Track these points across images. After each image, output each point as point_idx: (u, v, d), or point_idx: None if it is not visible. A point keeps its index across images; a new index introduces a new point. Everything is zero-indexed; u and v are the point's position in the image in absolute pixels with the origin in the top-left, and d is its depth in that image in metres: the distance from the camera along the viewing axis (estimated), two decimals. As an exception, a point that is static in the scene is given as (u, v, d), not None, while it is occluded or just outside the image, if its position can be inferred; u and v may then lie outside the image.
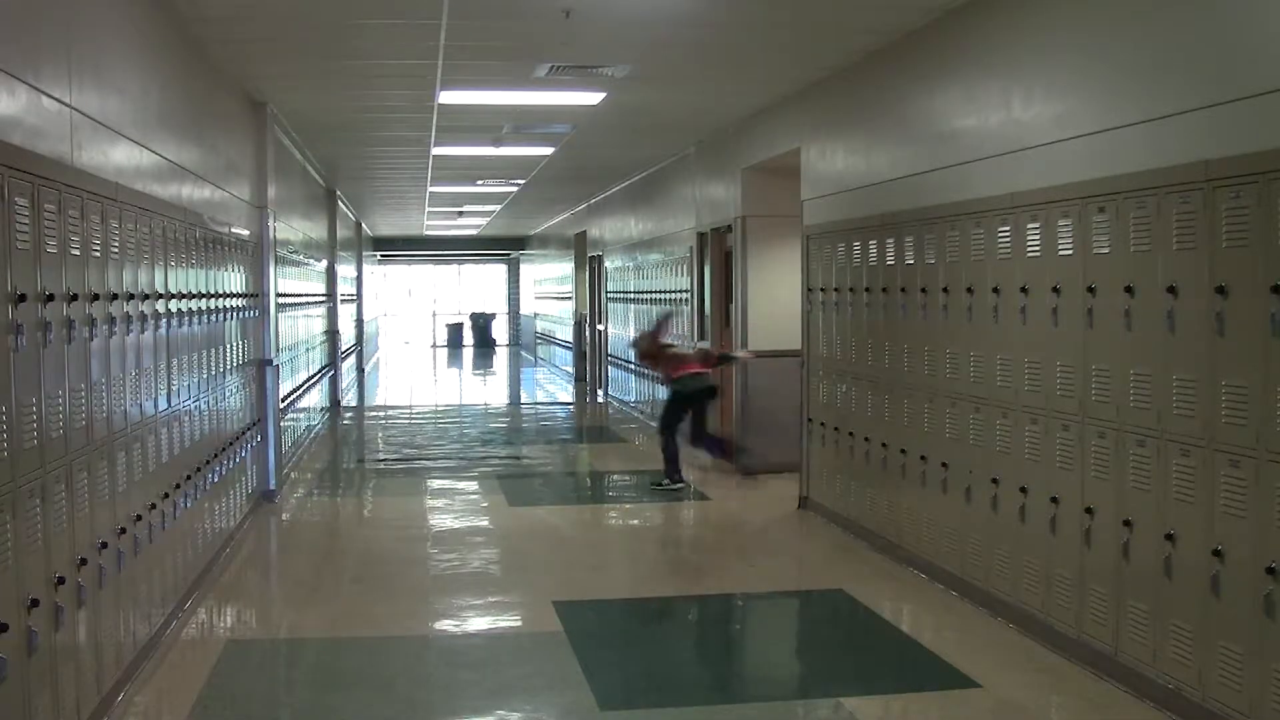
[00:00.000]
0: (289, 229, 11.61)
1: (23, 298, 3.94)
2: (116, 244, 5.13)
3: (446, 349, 35.25)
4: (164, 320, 5.99)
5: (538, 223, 27.06)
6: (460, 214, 23.77)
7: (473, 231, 30.18)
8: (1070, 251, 5.49)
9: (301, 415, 12.48)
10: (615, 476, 11.96)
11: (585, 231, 20.88)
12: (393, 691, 5.34)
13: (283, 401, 10.37)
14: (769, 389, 10.77)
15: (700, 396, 10.66)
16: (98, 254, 4.83)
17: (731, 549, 8.92)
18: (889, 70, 7.72)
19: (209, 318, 7.22)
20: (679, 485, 10.57)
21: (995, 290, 6.18)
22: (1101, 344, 5.27)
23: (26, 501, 3.98)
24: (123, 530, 5.09)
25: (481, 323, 35.37)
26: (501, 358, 31.68)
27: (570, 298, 22.85)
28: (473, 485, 11.15)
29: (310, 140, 12.40)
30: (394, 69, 8.47)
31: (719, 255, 12.02)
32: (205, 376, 7.12)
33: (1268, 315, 4.24)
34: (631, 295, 16.54)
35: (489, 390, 23.56)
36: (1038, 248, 5.78)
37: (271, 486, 9.84)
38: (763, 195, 10.94)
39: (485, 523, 9.45)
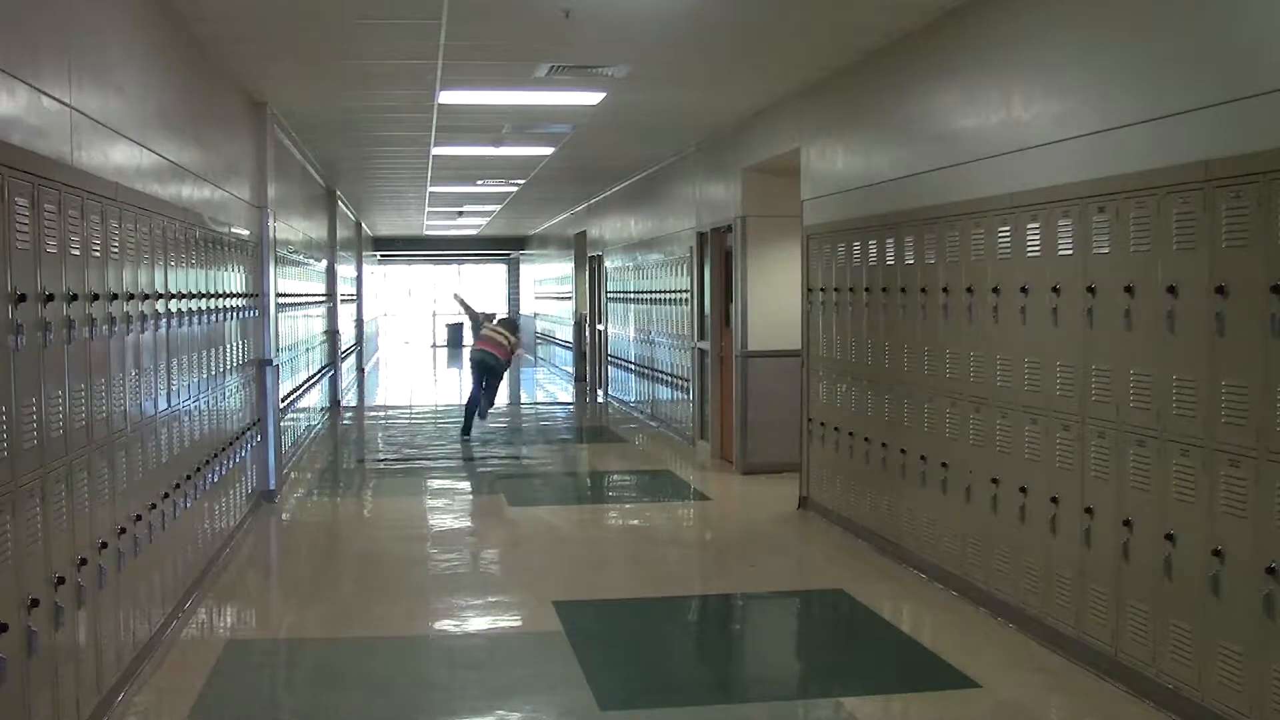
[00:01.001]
0: (289, 229, 11.61)
1: (23, 298, 3.94)
2: (116, 244, 5.13)
3: (446, 349, 35.24)
4: (164, 320, 5.99)
5: (538, 223, 27.06)
6: (460, 214, 23.77)
7: (473, 231, 30.18)
8: (1070, 251, 5.49)
9: (301, 415, 12.48)
10: (615, 477, 11.96)
11: (585, 231, 20.87)
12: (392, 691, 5.34)
13: (283, 401, 10.37)
14: (769, 389, 10.79)
15: (483, 367, 14.44)
16: (98, 254, 4.83)
17: (731, 549, 8.93)
18: (889, 70, 7.72)
19: (209, 318, 7.22)
20: (465, 438, 14.19)
21: (995, 290, 6.18)
22: (1101, 344, 5.27)
23: (26, 501, 3.98)
24: (123, 530, 5.09)
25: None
26: (501, 358, 31.60)
27: (570, 298, 22.86)
28: (473, 485, 11.15)
29: (310, 140, 12.40)
30: (394, 69, 8.47)
31: (719, 255, 12.02)
32: (205, 376, 7.12)
33: (1268, 315, 4.24)
34: (631, 295, 16.54)
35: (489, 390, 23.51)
36: (1037, 248, 5.78)
37: (271, 486, 9.84)
38: (763, 195, 10.94)
39: (485, 523, 9.45)
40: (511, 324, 15.39)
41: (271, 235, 9.97)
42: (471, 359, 14.65)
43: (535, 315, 30.51)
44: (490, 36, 7.53)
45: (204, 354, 7.09)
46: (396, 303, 37.51)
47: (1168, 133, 4.85)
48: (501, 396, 21.83)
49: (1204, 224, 4.58)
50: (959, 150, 6.68)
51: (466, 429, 14.42)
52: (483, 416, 14.67)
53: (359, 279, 22.50)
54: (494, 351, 14.43)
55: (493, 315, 15.90)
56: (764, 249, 10.93)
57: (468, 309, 15.75)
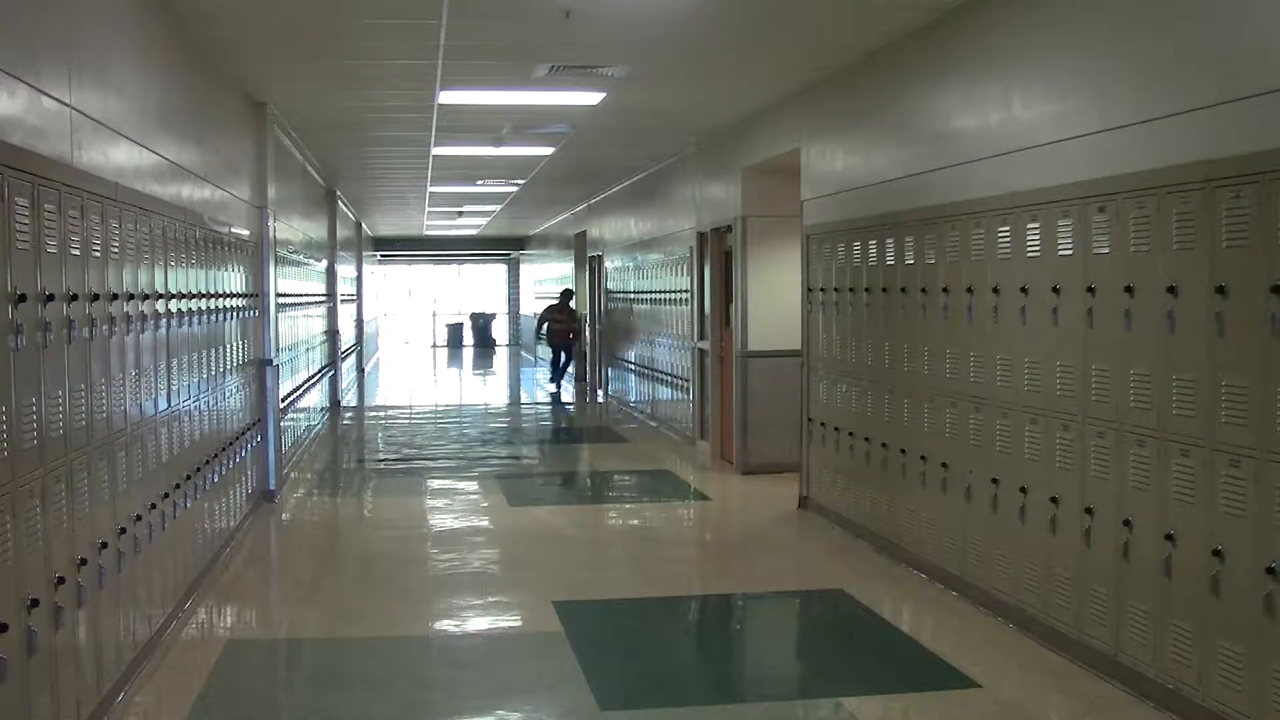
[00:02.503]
0: (289, 229, 11.61)
1: (23, 298, 3.94)
2: (116, 244, 5.13)
3: (446, 349, 35.25)
4: (164, 320, 5.99)
5: (538, 223, 27.06)
6: (460, 214, 23.77)
7: (473, 231, 30.18)
8: (1070, 251, 5.49)
9: (301, 415, 12.48)
10: (615, 476, 11.96)
11: (585, 231, 20.87)
12: (392, 691, 5.34)
13: (283, 401, 10.37)
14: (769, 389, 10.78)
15: (559, 346, 20.65)
16: (98, 254, 4.83)
17: (731, 549, 8.93)
18: (889, 70, 7.72)
19: (209, 318, 7.22)
20: (554, 391, 20.44)
21: (995, 290, 6.18)
22: (1101, 344, 5.27)
23: (26, 501, 3.98)
24: (123, 530, 5.09)
25: (481, 323, 35.37)
26: (501, 358, 31.69)
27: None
28: (473, 485, 11.15)
29: (310, 140, 12.40)
30: (394, 69, 8.48)
31: (719, 255, 12.02)
32: (205, 376, 7.12)
33: (1268, 315, 4.24)
34: (631, 295, 16.54)
35: (489, 390, 23.57)
36: (1037, 248, 5.78)
37: (271, 486, 9.84)
38: (763, 195, 10.94)
39: (485, 523, 9.45)
40: (566, 295, 20.74)
41: (271, 235, 9.96)
42: (549, 344, 21.02)
43: (535, 315, 30.51)
44: (490, 36, 7.53)
45: (204, 354, 7.09)
46: (396, 303, 37.50)
47: (1167, 133, 4.85)
48: (501, 396, 22.04)
49: (1204, 224, 4.58)
50: (959, 150, 6.68)
51: (556, 381, 20.82)
52: (559, 384, 20.64)
53: (359, 279, 22.50)
54: (562, 341, 20.56)
55: (549, 309, 20.81)
56: (764, 249, 10.93)
57: (545, 315, 20.84)
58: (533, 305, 31.35)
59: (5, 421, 3.81)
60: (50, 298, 4.23)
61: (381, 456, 13.23)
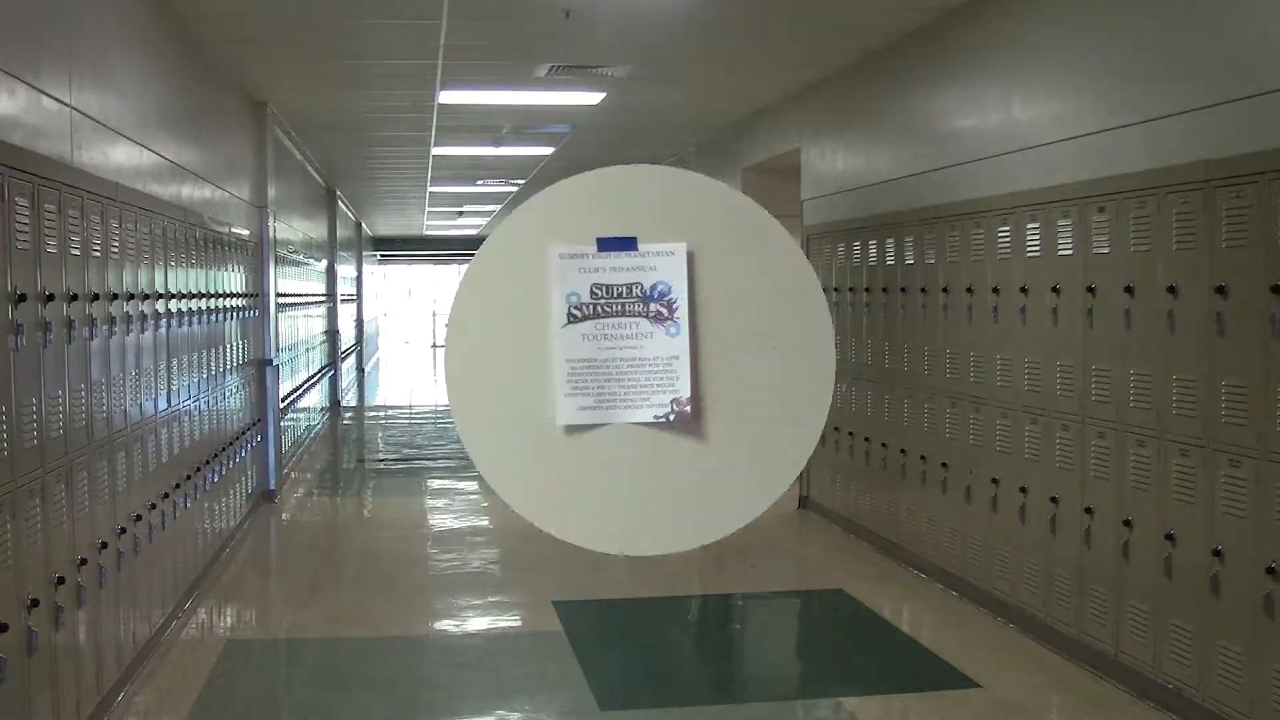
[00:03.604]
0: (289, 229, 11.61)
1: (23, 298, 3.94)
2: (116, 244, 5.13)
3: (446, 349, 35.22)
4: (164, 320, 5.99)
5: (538, 223, 27.05)
6: (460, 214, 23.78)
7: (473, 231, 30.17)
8: (1070, 251, 5.50)
9: (301, 415, 12.48)
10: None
11: (585, 231, 20.88)
12: (393, 691, 5.34)
13: (283, 401, 10.37)
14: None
15: None
16: (98, 254, 4.83)
17: (732, 549, 8.92)
18: (889, 70, 7.72)
19: (209, 318, 7.22)
20: None
21: (995, 290, 6.18)
22: (1101, 344, 5.27)
23: (26, 501, 3.98)
24: (123, 530, 5.09)
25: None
26: (501, 358, 31.64)
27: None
28: (472, 485, 11.14)
29: (310, 140, 12.40)
30: (394, 69, 8.47)
31: (719, 255, 12.00)
32: (205, 376, 7.12)
33: (1268, 315, 4.24)
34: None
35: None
36: (1037, 248, 5.78)
37: (271, 486, 9.84)
38: (763, 195, 10.81)
39: (485, 522, 9.45)
40: None
41: (271, 235, 9.96)
42: None
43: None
44: (490, 36, 7.53)
45: (204, 354, 7.09)
46: (396, 303, 37.50)
47: (1167, 133, 4.85)
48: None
49: (1204, 224, 4.58)
50: (959, 150, 6.68)
51: None
52: None
53: (359, 279, 22.51)
54: None
55: None
56: (764, 249, 10.91)
57: None
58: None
59: (5, 421, 3.81)
60: (50, 298, 4.23)
61: (381, 456, 13.23)
